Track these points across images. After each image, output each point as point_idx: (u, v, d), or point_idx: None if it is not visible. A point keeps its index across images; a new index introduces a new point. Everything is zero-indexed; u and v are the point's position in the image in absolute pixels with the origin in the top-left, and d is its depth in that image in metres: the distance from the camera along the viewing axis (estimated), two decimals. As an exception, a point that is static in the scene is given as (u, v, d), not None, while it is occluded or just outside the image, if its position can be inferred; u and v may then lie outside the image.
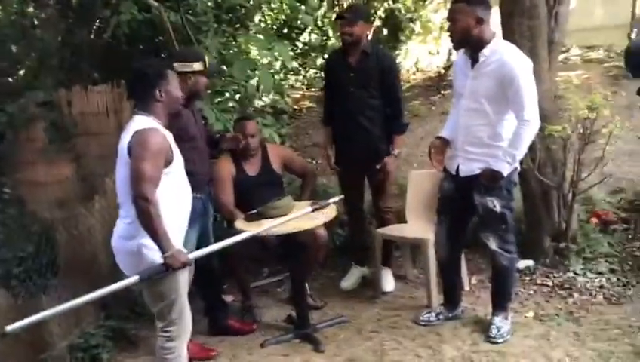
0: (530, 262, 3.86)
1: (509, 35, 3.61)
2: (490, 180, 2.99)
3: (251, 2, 5.90)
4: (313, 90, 7.42)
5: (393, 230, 3.90)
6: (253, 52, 5.40)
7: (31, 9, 5.36)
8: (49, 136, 4.65)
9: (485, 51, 2.97)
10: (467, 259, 3.88)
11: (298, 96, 7.33)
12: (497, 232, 3.08)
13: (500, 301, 3.26)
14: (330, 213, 3.33)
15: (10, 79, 5.81)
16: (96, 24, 5.80)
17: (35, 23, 5.32)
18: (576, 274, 3.70)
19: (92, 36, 5.71)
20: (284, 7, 5.82)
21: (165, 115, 2.56)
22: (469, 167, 3.09)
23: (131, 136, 2.42)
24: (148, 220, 2.35)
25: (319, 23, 7.28)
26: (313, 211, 3.14)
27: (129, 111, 4.45)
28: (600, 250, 3.84)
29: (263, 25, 6.46)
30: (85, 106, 4.63)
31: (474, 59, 3.04)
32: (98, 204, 3.87)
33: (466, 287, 3.78)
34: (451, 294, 3.48)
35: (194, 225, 3.16)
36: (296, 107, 6.99)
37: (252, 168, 3.89)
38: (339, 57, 3.92)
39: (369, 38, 3.87)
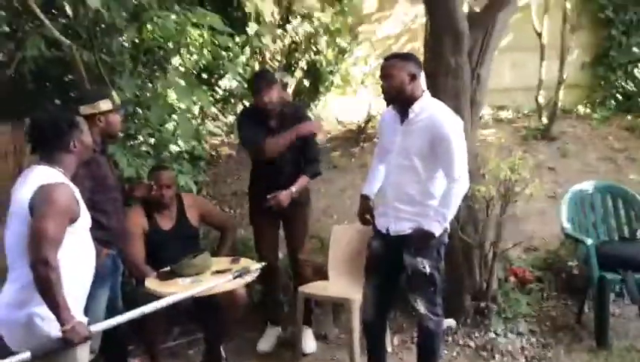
0: (452, 322, 3.82)
1: (433, 93, 3.62)
2: (421, 241, 2.92)
3: (170, 45, 5.72)
4: (232, 136, 7.24)
5: (316, 288, 3.75)
6: (171, 96, 5.17)
7: None
8: None
9: (415, 107, 2.95)
10: (389, 316, 3.78)
11: (217, 142, 7.13)
12: (426, 294, 3.00)
13: (426, 365, 3.16)
14: (253, 273, 3.15)
15: None
16: (-1, 58, 5.40)
17: None
18: (497, 334, 3.69)
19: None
20: (205, 52, 5.65)
21: (76, 165, 2.33)
22: (399, 226, 3.02)
23: (34, 190, 2.14)
24: (47, 288, 2.06)
25: (240, 70, 7.17)
26: (234, 279, 2.94)
27: (29, 154, 4.14)
28: (519, 309, 3.87)
29: (182, 68, 6.26)
30: (-20, 147, 4.21)
31: (403, 115, 3.01)
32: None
33: (389, 349, 3.66)
34: (376, 357, 3.34)
35: (104, 284, 2.87)
36: (214, 153, 6.77)
37: (166, 221, 3.65)
38: (257, 117, 3.75)
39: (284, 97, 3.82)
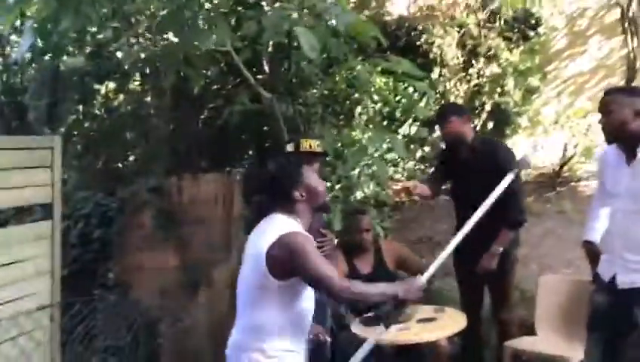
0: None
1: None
2: None
3: (357, 95, 5.90)
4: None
5: (525, 344, 3.47)
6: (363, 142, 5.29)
7: (149, 98, 5.57)
8: (157, 223, 4.62)
9: None
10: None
11: (398, 187, 7.12)
12: None
13: None
14: (459, 322, 3.01)
15: (120, 165, 6.01)
16: (205, 114, 5.97)
17: (151, 112, 5.51)
18: None
19: (200, 125, 5.87)
20: (396, 98, 5.72)
21: (309, 212, 2.29)
22: (629, 277, 2.66)
23: (273, 242, 2.13)
24: (364, 298, 2.18)
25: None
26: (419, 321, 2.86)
27: (239, 199, 4.43)
28: None
29: (364, 117, 6.42)
30: (195, 194, 4.59)
31: (630, 155, 2.71)
32: (203, 295, 3.72)
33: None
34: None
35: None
36: (397, 199, 6.75)
37: (365, 266, 3.65)
38: (449, 155, 3.70)
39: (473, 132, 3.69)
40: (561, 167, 6.05)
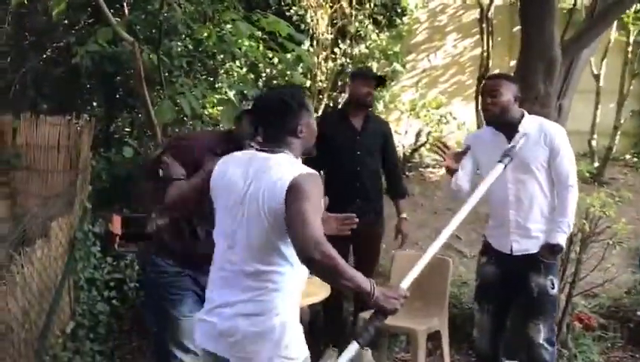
0: (519, 365, 3.57)
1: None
2: (550, 255, 2.80)
3: (222, 56, 5.62)
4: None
5: (379, 315, 3.53)
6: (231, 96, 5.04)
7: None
8: (-18, 166, 4.00)
9: (524, 122, 2.89)
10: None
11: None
12: (547, 320, 2.84)
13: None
14: (323, 291, 2.97)
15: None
16: (49, 52, 5.29)
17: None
18: (569, 382, 3.45)
19: (43, 63, 5.19)
20: (271, 62, 5.52)
21: (300, 152, 1.99)
22: (526, 244, 2.87)
23: (290, 182, 1.80)
24: (335, 272, 1.77)
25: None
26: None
27: (87, 148, 3.96)
28: (591, 357, 3.63)
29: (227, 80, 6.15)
30: (32, 138, 4.04)
31: (510, 134, 2.87)
32: (40, 251, 3.26)
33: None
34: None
35: None
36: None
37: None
38: (339, 119, 3.72)
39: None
40: (413, 152, 6.31)
